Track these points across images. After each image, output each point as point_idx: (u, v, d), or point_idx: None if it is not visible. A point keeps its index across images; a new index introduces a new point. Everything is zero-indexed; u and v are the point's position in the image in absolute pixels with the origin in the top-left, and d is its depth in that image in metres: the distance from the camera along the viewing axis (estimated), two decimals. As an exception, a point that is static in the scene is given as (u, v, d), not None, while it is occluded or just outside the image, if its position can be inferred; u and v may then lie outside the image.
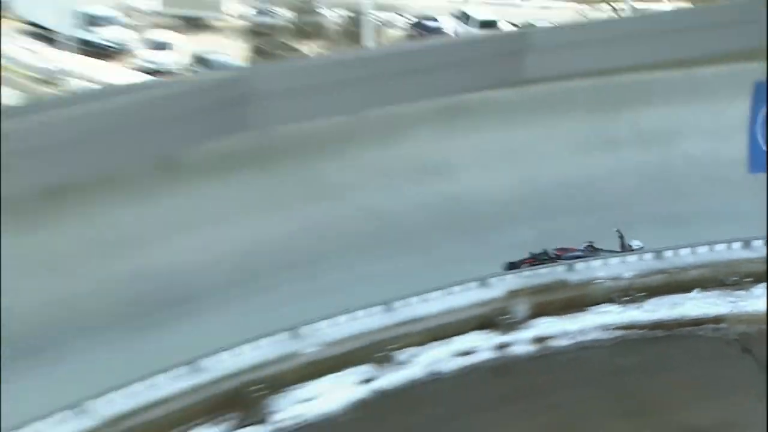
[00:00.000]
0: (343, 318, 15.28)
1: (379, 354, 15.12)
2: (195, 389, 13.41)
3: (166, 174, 15.62)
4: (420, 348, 15.49)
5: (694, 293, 17.28)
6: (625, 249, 17.43)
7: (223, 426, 13.54)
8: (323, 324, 15.11)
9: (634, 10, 29.08)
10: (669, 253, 17.89)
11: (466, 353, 15.75)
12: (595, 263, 17.49)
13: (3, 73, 44.60)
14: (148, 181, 15.39)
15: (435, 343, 15.69)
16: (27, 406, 12.49)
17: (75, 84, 15.58)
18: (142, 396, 13.02)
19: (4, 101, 35.37)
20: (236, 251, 16.49)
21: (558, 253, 17.32)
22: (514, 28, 46.13)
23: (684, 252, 17.82)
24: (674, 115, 20.56)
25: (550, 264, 16.30)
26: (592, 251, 17.49)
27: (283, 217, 17.31)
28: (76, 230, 14.74)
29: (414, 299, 15.90)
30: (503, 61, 17.46)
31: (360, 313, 15.44)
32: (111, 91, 16.72)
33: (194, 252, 16.15)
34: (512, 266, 16.99)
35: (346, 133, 17.83)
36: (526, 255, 16.89)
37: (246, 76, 15.69)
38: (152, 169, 15.35)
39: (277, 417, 13.92)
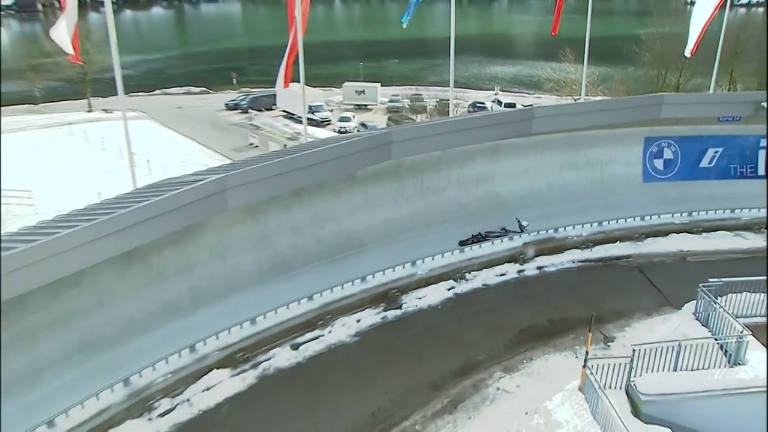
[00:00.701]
0: (439, 256, 19.56)
1: (457, 275, 19.33)
2: (364, 291, 18.20)
3: (349, 183, 19.96)
4: (478, 272, 19.71)
5: (618, 243, 21.39)
6: (522, 228, 20.50)
7: (378, 308, 17.97)
8: (428, 259, 19.40)
9: (586, 99, 34.47)
10: (606, 224, 21.82)
11: (502, 275, 19.81)
12: (568, 228, 21.32)
13: (273, 135, 61.23)
14: (339, 186, 19.76)
15: (485, 270, 19.85)
16: (282, 297, 17.20)
17: (305, 139, 21.10)
18: (339, 293, 17.86)
19: (273, 149, 46.93)
20: (382, 222, 20.72)
21: (487, 234, 20.37)
22: (525, 107, 53.67)
23: (612, 222, 21.83)
24: (606, 153, 23.91)
25: (483, 240, 19.97)
26: (505, 232, 20.57)
27: (406, 205, 21.31)
28: (306, 212, 19.34)
29: (475, 246, 20.15)
30: (519, 123, 21.40)
31: (448, 253, 19.70)
32: (324, 142, 20.35)
33: (362, 222, 20.38)
34: (462, 243, 20.03)
35: (440, 160, 21.48)
36: (470, 235, 20.47)
37: (388, 132, 19.68)
38: (342, 180, 19.73)
39: (405, 306, 18.22)
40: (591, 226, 21.61)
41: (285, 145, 55.05)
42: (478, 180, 22.47)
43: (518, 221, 20.54)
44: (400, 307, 18.11)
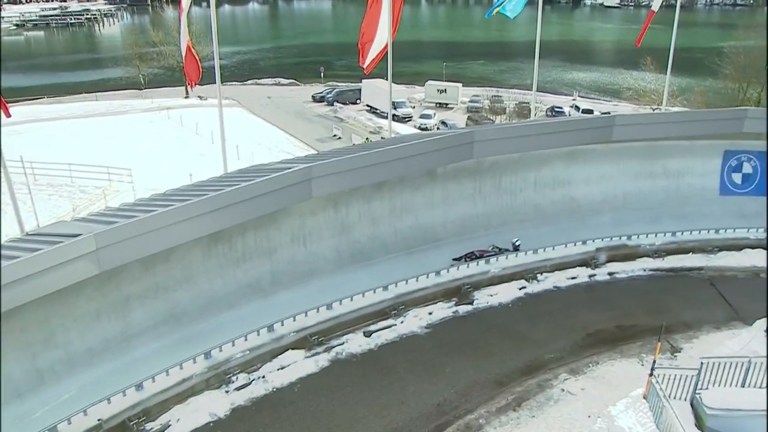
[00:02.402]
0: (512, 255, 19.55)
1: (529, 275, 19.16)
2: (437, 284, 18.19)
3: (429, 178, 20.04)
4: (550, 273, 19.49)
5: (690, 254, 20.67)
6: (515, 248, 19.87)
7: (451, 303, 17.92)
8: (502, 258, 19.38)
9: (666, 110, 33.07)
10: (679, 234, 21.00)
11: (573, 278, 19.53)
12: (641, 237, 20.68)
13: (356, 129, 63.34)
14: (419, 181, 19.85)
15: (557, 272, 19.59)
16: (358, 285, 17.39)
17: (387, 134, 21.12)
18: (413, 285, 17.87)
19: (355, 142, 48.16)
20: (459, 219, 20.77)
21: (481, 252, 19.76)
22: (602, 114, 51.98)
23: (686, 233, 21.06)
24: (683, 164, 23.06)
25: (476, 259, 19.24)
26: (498, 250, 19.89)
27: (483, 203, 21.36)
28: (386, 204, 19.59)
29: (548, 249, 19.90)
30: (600, 130, 21.01)
31: (522, 254, 19.60)
32: (406, 138, 20.41)
33: (439, 217, 20.47)
34: (456, 260, 19.46)
35: (518, 162, 21.31)
36: (464, 253, 19.79)
37: (471, 132, 19.50)
38: (422, 176, 19.83)
39: (477, 302, 18.11)
40: (664, 235, 21.04)
41: (367, 138, 55.41)
42: (554, 183, 22.25)
43: (513, 242, 20.34)
44: (471, 303, 18.07)
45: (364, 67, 21.57)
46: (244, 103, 77.52)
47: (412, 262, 18.98)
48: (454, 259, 19.33)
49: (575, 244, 20.29)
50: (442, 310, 17.63)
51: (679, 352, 16.12)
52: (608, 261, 20.21)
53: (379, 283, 17.56)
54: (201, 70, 20.39)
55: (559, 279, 19.47)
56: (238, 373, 14.79)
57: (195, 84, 21.06)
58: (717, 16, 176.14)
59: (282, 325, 15.90)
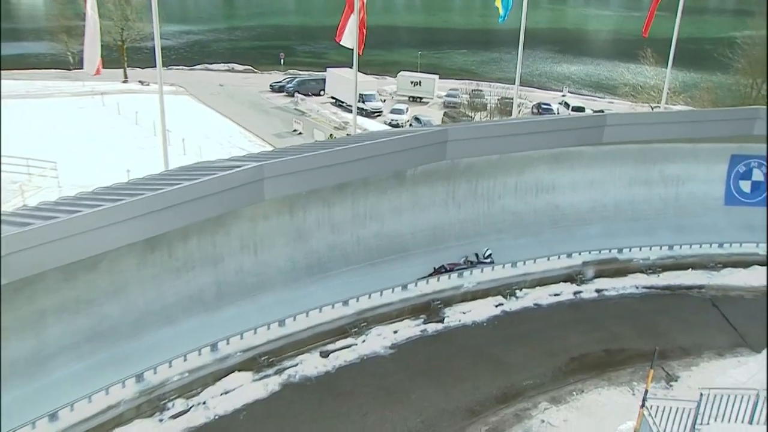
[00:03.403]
0: (488, 268, 19.69)
1: (507, 291, 19.33)
2: (404, 300, 18.29)
3: (396, 181, 20.10)
4: (530, 289, 19.64)
5: (689, 271, 20.82)
6: (485, 258, 20.24)
7: (418, 320, 18.08)
8: (476, 271, 19.52)
9: (666, 108, 33.11)
10: (677, 248, 21.26)
11: (556, 294, 19.68)
12: (634, 250, 20.93)
13: (319, 123, 63.71)
14: (386, 184, 19.92)
15: (539, 288, 19.75)
16: (315, 299, 17.39)
17: (353, 130, 21.18)
18: (376, 300, 17.98)
19: (318, 139, 48.72)
20: (429, 227, 20.89)
21: (450, 266, 19.97)
22: (595, 112, 52.89)
23: (685, 247, 21.30)
24: (684, 169, 23.19)
25: (445, 273, 19.43)
26: (469, 264, 20.20)
27: (456, 211, 21.46)
28: (348, 209, 19.47)
29: (529, 262, 20.03)
30: (589, 130, 20.96)
31: (498, 267, 19.73)
32: (373, 135, 21.13)
33: (407, 225, 20.60)
34: (421, 278, 19.31)
35: (497, 165, 21.43)
36: (433, 268, 19.98)
37: (445, 130, 19.44)
38: (390, 177, 19.87)
39: (448, 320, 18.24)
40: (660, 249, 21.30)
41: (331, 135, 55.46)
42: (537, 189, 22.45)
43: (485, 252, 20.70)
44: (441, 321, 18.23)
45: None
46: (193, 90, 77.21)
47: (376, 275, 19.11)
48: (420, 278, 19.47)
49: (559, 258, 20.47)
50: (409, 329, 17.72)
51: (676, 381, 16.20)
52: (596, 277, 20.44)
53: (338, 297, 17.64)
54: (102, 60, 20.41)
55: (541, 296, 19.67)
56: (175, 398, 14.63)
57: (96, 72, 20.63)
58: (731, 1, 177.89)
59: (227, 343, 15.84)
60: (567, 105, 72.91)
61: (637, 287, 20.34)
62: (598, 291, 20.08)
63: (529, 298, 19.48)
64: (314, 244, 19.10)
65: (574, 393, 15.61)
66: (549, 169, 22.41)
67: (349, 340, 16.99)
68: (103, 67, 20.65)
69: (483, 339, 17.60)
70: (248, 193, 16.12)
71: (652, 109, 56.68)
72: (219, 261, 17.40)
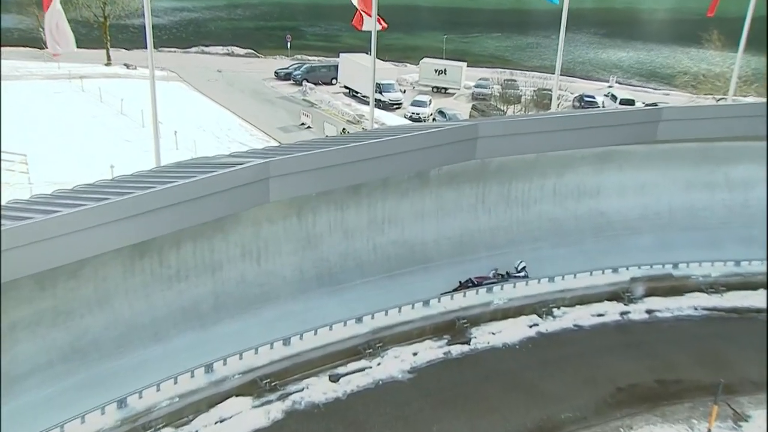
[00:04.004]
0: (521, 283, 19.70)
1: (543, 309, 19.44)
2: (425, 317, 18.34)
3: (419, 183, 20.30)
4: (569, 308, 19.72)
5: (760, 291, 20.41)
6: (519, 272, 20.36)
7: (441, 341, 18.15)
8: (508, 286, 19.54)
9: (734, 101, 31.96)
10: (746, 263, 21.10)
11: (600, 315, 19.71)
12: (692, 265, 20.79)
13: (330, 116, 64.68)
14: (407, 186, 20.16)
15: (579, 306, 19.83)
16: (325, 315, 17.49)
17: (369, 124, 21.16)
18: (394, 318, 18.00)
19: (329, 134, 49.86)
20: (456, 235, 21.11)
21: (478, 280, 20.10)
22: (647, 106, 50.78)
23: (755, 263, 21.05)
24: (755, 171, 22.91)
25: (473, 287, 19.47)
26: (500, 277, 20.31)
27: (487, 217, 21.66)
28: (364, 213, 19.87)
29: (569, 276, 20.02)
30: (641, 126, 20.89)
31: (533, 282, 19.81)
32: (393, 131, 21.14)
33: (431, 233, 20.83)
34: (444, 294, 19.32)
35: (534, 165, 21.62)
36: (458, 282, 20.12)
37: (475, 126, 19.48)
38: (411, 178, 20.11)
39: (475, 341, 18.33)
40: (724, 264, 21.14)
41: (344, 129, 55.68)
42: (579, 193, 22.61)
43: (516, 267, 20.77)
44: (468, 342, 18.36)
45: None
46: (187, 76, 77.66)
47: (395, 288, 19.33)
48: (443, 294, 19.50)
49: (603, 272, 20.52)
50: (431, 351, 17.79)
51: (746, 421, 15.98)
52: (647, 295, 20.41)
53: (351, 313, 17.70)
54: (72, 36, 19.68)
55: (582, 316, 19.74)
56: (163, 427, 14.55)
57: (62, 53, 20.40)
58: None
59: (224, 364, 15.83)
60: (614, 97, 72.61)
61: (696, 309, 20.22)
62: (649, 312, 20.02)
63: (568, 318, 19.54)
64: (325, 252, 19.30)
65: (622, 429, 15.56)
66: (593, 171, 22.51)
67: (362, 363, 17.04)
68: (83, 47, 20.21)
69: (515, 363, 17.62)
70: (252, 193, 16.24)
71: (717, 101, 55.79)
72: (217, 269, 17.57)
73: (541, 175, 21.98)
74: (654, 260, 21.01)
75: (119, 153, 44.88)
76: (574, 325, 19.32)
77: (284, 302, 18.19)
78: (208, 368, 15.62)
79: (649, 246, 21.91)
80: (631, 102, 68.86)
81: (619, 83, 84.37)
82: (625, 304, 20.20)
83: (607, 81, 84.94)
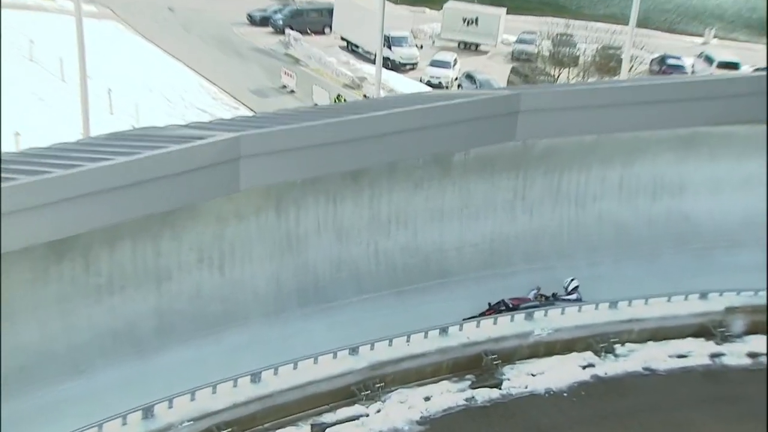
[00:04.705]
0: (572, 308, 19.74)
1: (602, 344, 19.43)
2: (442, 350, 18.36)
3: (438, 170, 20.47)
4: (638, 345, 19.73)
5: None
6: (569, 293, 20.62)
7: (463, 382, 18.25)
8: (554, 311, 19.61)
9: None
10: None
11: (682, 356, 19.65)
12: None
13: (321, 77, 64.57)
14: (420, 175, 20.30)
15: (652, 344, 19.81)
16: (308, 343, 17.50)
17: (373, 90, 20.97)
18: (401, 349, 18.03)
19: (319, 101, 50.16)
20: (485, 241, 21.40)
21: (514, 302, 20.38)
22: (757, 71, 50.33)
23: None
24: None
25: (507, 312, 19.72)
26: (543, 300, 20.61)
27: (527, 217, 21.95)
28: (365, 208, 20.10)
29: (638, 301, 20.08)
30: (746, 99, 20.60)
31: (588, 307, 19.80)
32: (405, 100, 21.30)
33: (452, 236, 21.10)
34: (468, 319, 19.57)
35: (592, 150, 21.85)
36: (488, 305, 20.40)
37: (515, 95, 19.54)
38: (427, 165, 20.24)
39: (508, 384, 18.39)
40: None
41: (339, 97, 55.54)
42: (655, 189, 22.84)
43: (565, 287, 20.91)
44: (498, 386, 18.46)
45: None
46: (126, 15, 76.97)
47: (403, 310, 19.67)
48: (465, 319, 19.69)
49: (687, 298, 20.51)
50: (449, 395, 17.84)
51: None
52: (748, 332, 20.38)
53: (343, 341, 17.78)
54: None
55: (656, 356, 19.77)
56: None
57: None
58: None
59: (170, 407, 15.78)
60: (709, 59, 71.57)
61: (819, 353, 19.85)
62: (752, 355, 19.93)
63: (636, 357, 19.58)
64: (311, 259, 19.54)
65: None
66: (675, 159, 22.69)
67: (356, 409, 17.06)
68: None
69: (562, 417, 17.66)
70: (215, 178, 16.30)
71: None
72: (164, 279, 17.69)
73: (602, 163, 22.19)
74: (759, 285, 20.83)
75: (29, 116, 44.03)
76: (645, 369, 19.37)
77: (254, 325, 18.36)
78: (148, 413, 15.52)
79: (753, 265, 21.54)
80: (734, 65, 68.14)
81: (719, 38, 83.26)
82: (717, 343, 20.20)
83: (701, 36, 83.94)
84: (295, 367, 17.17)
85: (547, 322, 19.63)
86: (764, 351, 19.83)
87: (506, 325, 19.39)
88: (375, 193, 20.20)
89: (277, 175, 17.58)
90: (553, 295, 20.79)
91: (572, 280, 20.80)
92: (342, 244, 20.03)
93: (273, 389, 16.74)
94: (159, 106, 52.42)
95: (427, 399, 17.75)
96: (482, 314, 19.94)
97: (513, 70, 69.83)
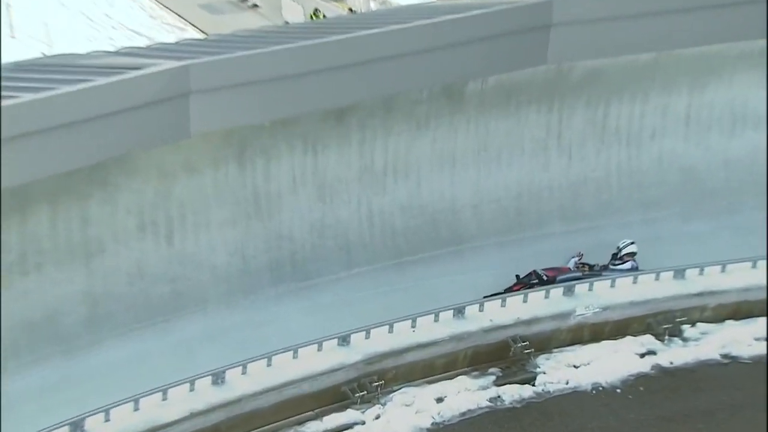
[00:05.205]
0: (626, 280, 19.84)
1: (664, 325, 19.59)
2: (457, 336, 18.55)
3: (447, 104, 20.50)
4: (713, 325, 19.90)
5: None
6: (621, 261, 20.74)
7: (486, 377, 18.54)
8: (601, 284, 19.71)
9: None
10: None
11: None
12: None
13: None
14: (424, 111, 20.35)
15: (731, 324, 19.96)
16: (285, 332, 17.77)
17: (359, 2, 20.84)
18: (405, 337, 18.19)
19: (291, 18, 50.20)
20: (510, 195, 21.60)
21: (550, 274, 20.55)
22: None
23: None
24: None
25: (541, 286, 20.07)
26: (587, 270, 20.84)
27: (564, 162, 22.15)
28: (354, 156, 20.23)
29: (712, 269, 20.18)
30: None
31: (647, 277, 19.91)
32: (399, 14, 21.20)
33: (465, 191, 21.31)
34: (491, 297, 19.90)
35: (648, 72, 21.85)
36: (516, 277, 20.65)
37: (545, 4, 19.33)
38: (432, 98, 20.24)
39: (544, 378, 18.65)
40: None
41: (316, 12, 55.08)
42: (733, 121, 22.89)
43: (617, 252, 21.04)
44: (532, 381, 18.70)
45: None
46: None
47: (405, 287, 19.96)
48: (486, 297, 19.85)
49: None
50: (468, 395, 18.03)
51: None
52: None
53: (330, 329, 17.94)
54: None
55: (737, 338, 19.92)
56: None
57: None
58: None
59: (107, 419, 15.86)
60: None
61: None
62: None
63: (712, 342, 19.77)
64: (286, 224, 19.69)
65: None
66: (760, 80, 22.56)
67: (350, 415, 17.28)
68: None
69: (614, 421, 17.82)
70: (157, 120, 16.21)
71: None
72: (95, 254, 17.72)
73: (663, 89, 22.22)
74: None
75: None
76: (724, 356, 19.51)
77: (214, 311, 18.49)
78: (77, 428, 15.57)
79: None
80: None
81: None
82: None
83: None
84: (269, 364, 17.27)
85: (592, 299, 19.72)
86: None
87: (540, 304, 19.51)
88: (366, 137, 20.21)
89: (239, 116, 17.40)
90: (601, 264, 20.90)
91: (627, 243, 20.84)
92: (325, 204, 20.11)
93: (241, 393, 16.82)
94: (77, 26, 51.94)
95: (439, 400, 17.89)
96: (508, 290, 20.11)
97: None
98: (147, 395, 16.16)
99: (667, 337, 19.78)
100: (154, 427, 16.03)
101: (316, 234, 19.98)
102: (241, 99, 17.03)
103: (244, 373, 17.05)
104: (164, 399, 16.33)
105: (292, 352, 17.49)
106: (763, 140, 22.90)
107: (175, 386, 16.42)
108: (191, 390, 16.60)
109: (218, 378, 16.86)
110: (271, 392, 17.01)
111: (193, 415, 16.32)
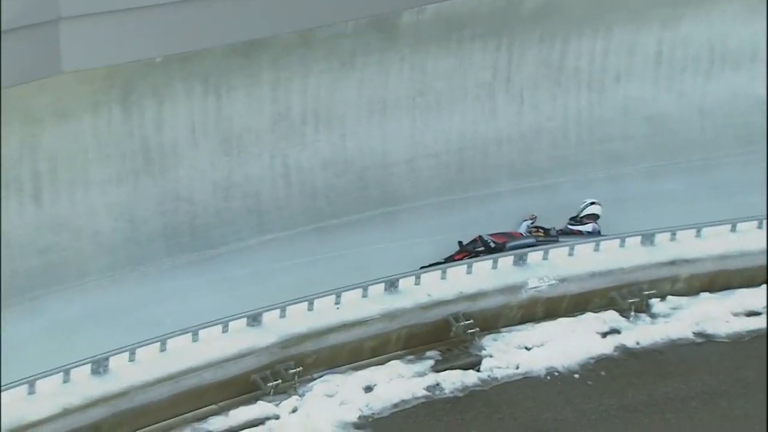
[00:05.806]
0: (585, 247, 19.64)
1: (630, 298, 19.20)
2: (391, 314, 18.11)
3: (378, 39, 19.96)
4: (684, 298, 19.60)
5: None
6: (581, 222, 20.49)
7: (424, 362, 18.10)
8: (557, 251, 19.56)
9: None
10: None
11: (751, 314, 19.53)
12: None
13: None
14: (350, 46, 19.84)
15: (706, 296, 19.71)
16: (183, 309, 17.43)
17: None
18: (327, 316, 17.63)
19: None
20: (451, 148, 21.34)
21: (498, 240, 20.05)
22: None
23: None
24: None
25: (487, 254, 19.65)
26: (541, 236, 20.44)
27: (516, 107, 21.81)
28: (266, 101, 19.69)
29: (685, 233, 19.91)
30: None
31: (610, 243, 19.67)
32: None
33: (399, 143, 21.00)
34: (429, 267, 19.56)
35: (617, 2, 21.50)
36: (458, 244, 20.15)
37: None
38: (360, 31, 19.60)
39: (490, 362, 18.21)
40: None
41: None
42: (711, 60, 22.65)
43: (577, 214, 20.68)
44: (477, 366, 18.20)
45: None
46: None
47: (328, 256, 19.62)
48: (432, 264, 19.60)
49: (761, 225, 20.26)
50: (401, 382, 17.64)
51: None
52: None
53: (238, 306, 17.47)
54: None
55: (714, 314, 19.58)
56: None
57: None
58: None
59: None
60: None
61: None
62: None
63: (684, 318, 19.38)
64: (183, 183, 19.19)
65: None
66: (745, 10, 22.30)
67: (261, 408, 16.87)
68: None
69: (572, 412, 17.49)
70: (20, 53, 15.21)
71: None
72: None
73: (630, 22, 21.89)
74: None
75: None
76: (697, 334, 19.12)
77: (96, 286, 17.91)
78: None
79: None
80: None
81: None
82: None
83: None
84: (162, 349, 16.64)
85: (547, 269, 19.34)
86: None
87: (486, 275, 19.05)
88: (281, 77, 19.70)
89: (123, 49, 16.46)
90: (557, 228, 20.51)
91: (588, 204, 20.46)
92: (231, 157, 19.66)
93: (128, 384, 16.13)
94: None
95: (368, 390, 17.51)
96: (449, 259, 19.71)
97: None
98: (11, 388, 15.29)
99: (633, 313, 19.40)
100: (20, 427, 15.24)
101: (221, 194, 19.55)
102: (125, 28, 16.04)
103: (132, 360, 16.37)
104: (31, 393, 15.58)
105: (191, 335, 16.86)
106: (743, 83, 22.76)
107: (44, 377, 15.66)
108: (65, 381, 15.86)
109: (99, 366, 16.09)
110: (165, 383, 16.33)
111: (67, 412, 15.54)
